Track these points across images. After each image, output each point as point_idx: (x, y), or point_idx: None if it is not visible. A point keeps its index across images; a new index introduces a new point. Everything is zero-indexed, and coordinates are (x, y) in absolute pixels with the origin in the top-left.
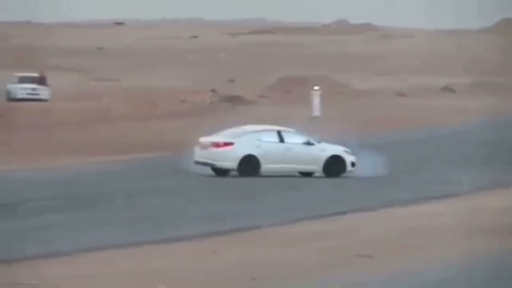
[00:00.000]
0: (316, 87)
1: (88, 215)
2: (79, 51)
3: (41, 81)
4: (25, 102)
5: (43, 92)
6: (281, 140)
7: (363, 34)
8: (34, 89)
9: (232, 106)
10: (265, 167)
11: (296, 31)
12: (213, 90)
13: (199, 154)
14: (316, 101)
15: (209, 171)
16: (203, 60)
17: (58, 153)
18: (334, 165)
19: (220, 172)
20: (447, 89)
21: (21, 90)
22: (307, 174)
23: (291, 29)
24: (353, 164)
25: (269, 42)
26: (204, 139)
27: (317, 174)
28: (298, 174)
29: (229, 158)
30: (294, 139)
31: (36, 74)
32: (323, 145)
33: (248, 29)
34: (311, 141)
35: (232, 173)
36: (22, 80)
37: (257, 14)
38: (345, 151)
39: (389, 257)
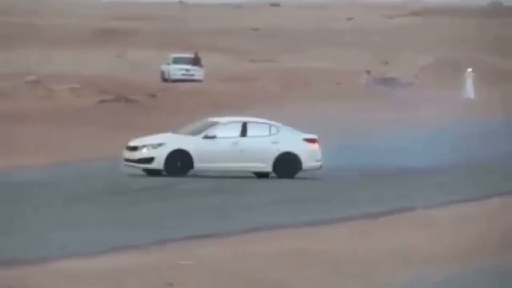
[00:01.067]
0: (469, 69)
1: (244, 196)
2: (233, 32)
3: (195, 61)
4: (179, 82)
5: (197, 72)
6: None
7: None
8: (188, 69)
9: (386, 87)
10: None
11: (451, 13)
12: (367, 72)
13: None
14: (469, 83)
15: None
16: (358, 42)
17: None
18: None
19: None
20: None
21: (176, 70)
22: None
23: (447, 11)
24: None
25: (423, 23)
26: None
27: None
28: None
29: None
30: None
31: (190, 55)
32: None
33: (404, 11)
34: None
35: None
36: (177, 60)
37: None
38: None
39: None
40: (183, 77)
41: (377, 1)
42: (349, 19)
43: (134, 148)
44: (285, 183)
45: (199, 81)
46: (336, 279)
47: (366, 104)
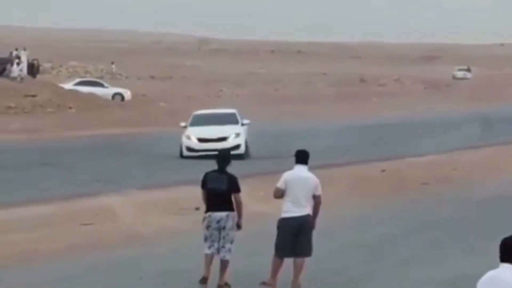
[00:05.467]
0: None
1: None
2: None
3: (468, 70)
4: (460, 80)
5: (469, 75)
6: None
7: None
8: (465, 73)
9: None
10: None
11: None
12: None
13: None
14: None
15: None
16: None
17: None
18: None
19: None
20: None
21: (459, 74)
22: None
23: None
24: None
25: None
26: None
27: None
28: None
29: None
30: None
31: (466, 67)
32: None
33: None
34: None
35: None
36: (460, 69)
37: None
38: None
39: None
40: (462, 77)
41: None
42: None
43: None
44: None
45: (467, 79)
46: None
47: None
